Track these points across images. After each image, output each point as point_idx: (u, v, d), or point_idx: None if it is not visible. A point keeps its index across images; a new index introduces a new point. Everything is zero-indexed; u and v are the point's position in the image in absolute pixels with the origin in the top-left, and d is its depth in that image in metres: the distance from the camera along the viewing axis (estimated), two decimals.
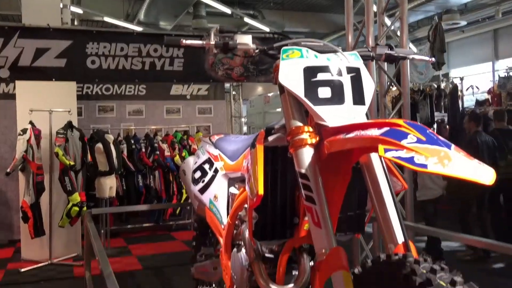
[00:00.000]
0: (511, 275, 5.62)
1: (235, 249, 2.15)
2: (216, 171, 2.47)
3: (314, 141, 1.63)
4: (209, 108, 8.91)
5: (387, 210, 1.59)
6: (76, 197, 6.36)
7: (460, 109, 9.39)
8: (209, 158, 2.58)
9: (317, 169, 1.60)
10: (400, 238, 1.55)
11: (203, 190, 2.52)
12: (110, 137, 7.29)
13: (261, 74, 7.41)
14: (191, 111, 8.83)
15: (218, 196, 2.41)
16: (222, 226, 2.33)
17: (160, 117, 8.65)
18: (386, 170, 1.64)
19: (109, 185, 7.08)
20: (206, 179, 2.52)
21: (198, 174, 2.60)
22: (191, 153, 7.67)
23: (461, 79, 10.14)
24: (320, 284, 1.46)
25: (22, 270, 6.08)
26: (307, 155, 1.61)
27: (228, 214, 2.32)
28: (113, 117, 8.39)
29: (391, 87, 4.21)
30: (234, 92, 9.95)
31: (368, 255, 3.50)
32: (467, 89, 10.20)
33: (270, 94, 12.20)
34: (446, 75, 11.26)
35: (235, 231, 2.23)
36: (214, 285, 2.79)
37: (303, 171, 1.60)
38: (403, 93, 3.34)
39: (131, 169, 7.71)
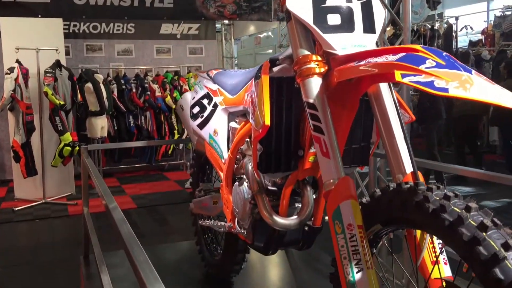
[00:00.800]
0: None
1: (236, 183, 2.14)
2: (215, 105, 2.42)
3: (322, 70, 1.58)
4: (200, 48, 8.72)
5: (396, 140, 1.56)
6: (68, 137, 6.30)
7: (454, 49, 9.29)
8: (207, 93, 2.52)
9: (325, 98, 1.56)
10: (409, 168, 1.53)
11: (202, 125, 2.47)
12: (99, 77, 7.15)
13: (254, 12, 7.20)
14: (182, 51, 8.64)
15: (218, 131, 2.37)
16: (223, 161, 2.31)
17: (150, 57, 8.47)
18: (396, 100, 1.61)
19: (100, 125, 7.01)
20: (205, 114, 2.47)
21: (196, 109, 2.54)
22: (183, 93, 7.57)
23: (456, 18, 9.97)
24: (328, 214, 1.45)
25: (16, 209, 6.10)
26: (315, 84, 1.57)
27: (228, 148, 2.29)
28: (101, 56, 8.19)
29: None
30: (225, 32, 9.71)
31: (363, 191, 3.52)
32: (460, 30, 10.06)
33: (261, 35, 11.96)
34: (440, 15, 11.07)
35: (236, 165, 2.21)
36: (213, 218, 2.80)
37: (311, 101, 1.55)
38: (404, 28, 3.25)
39: (122, 109, 7.61)
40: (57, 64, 6.42)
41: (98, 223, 5.67)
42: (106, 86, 7.19)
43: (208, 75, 2.62)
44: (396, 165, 1.57)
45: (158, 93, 7.77)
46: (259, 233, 2.03)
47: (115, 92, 7.57)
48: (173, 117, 7.87)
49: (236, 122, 2.29)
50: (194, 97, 2.62)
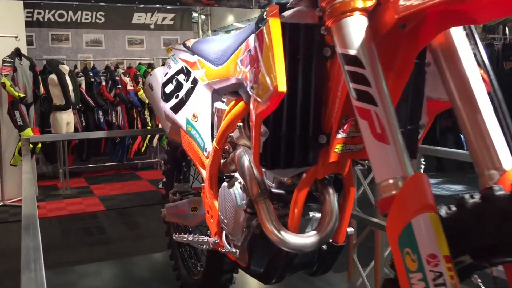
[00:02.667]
0: None
1: (225, 184, 1.52)
2: (194, 82, 1.79)
3: (369, 4, 0.97)
4: (175, 39, 8.04)
5: (482, 116, 0.97)
6: (29, 133, 5.58)
7: None
8: (184, 66, 1.89)
9: (374, 48, 0.95)
10: (508, 161, 0.94)
11: (177, 108, 1.84)
12: (65, 68, 6.42)
13: None
14: (156, 42, 7.96)
15: (198, 115, 1.74)
16: (205, 154, 1.68)
17: (121, 49, 7.76)
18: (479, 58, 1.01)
19: (66, 121, 6.28)
20: (182, 93, 1.84)
21: (170, 88, 1.91)
22: None
23: None
24: (390, 236, 0.85)
25: None
26: (358, 26, 0.96)
27: (213, 138, 1.67)
28: (68, 47, 7.45)
29: None
30: (202, 22, 9.05)
31: (368, 194, 2.93)
32: None
33: (243, 26, 11.31)
34: None
35: (223, 159, 1.59)
36: (191, 231, 2.18)
37: (352, 52, 0.95)
38: None
39: (90, 104, 6.89)
40: (17, 53, 5.69)
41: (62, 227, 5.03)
42: (72, 78, 6.47)
43: (185, 45, 1.99)
44: (485, 154, 0.97)
45: (130, 87, 7.08)
46: (259, 254, 1.42)
47: (83, 85, 6.85)
48: (146, 113, 7.20)
49: (223, 102, 1.67)
50: (166, 73, 1.98)
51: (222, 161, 1.63)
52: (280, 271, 1.43)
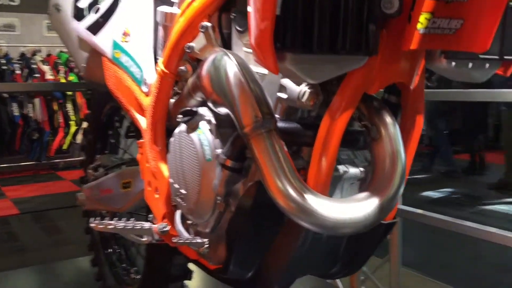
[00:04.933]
0: None
1: (181, 129, 0.87)
2: None
3: None
4: None
5: None
6: None
7: None
8: None
9: None
10: None
11: (97, 26, 1.15)
12: None
13: None
14: None
15: (131, 31, 1.07)
16: (144, 89, 1.02)
17: (39, 35, 6.79)
18: None
19: None
20: (104, 3, 1.15)
21: (86, 1, 1.21)
22: (81, 78, 6.02)
23: None
24: None
25: None
26: None
27: (155, 61, 1.00)
28: None
29: None
30: None
31: None
32: None
33: None
34: None
35: (176, 96, 0.94)
36: (119, 219, 1.45)
37: None
38: None
39: (1, 95, 5.91)
40: None
41: None
42: None
43: None
44: None
45: (49, 76, 6.14)
46: (249, 244, 0.77)
47: None
48: (69, 105, 6.28)
49: (172, 3, 1.01)
50: None
51: (172, 100, 0.97)
52: (286, 274, 0.78)
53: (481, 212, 3.71)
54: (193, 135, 0.83)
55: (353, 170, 0.76)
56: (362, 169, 0.77)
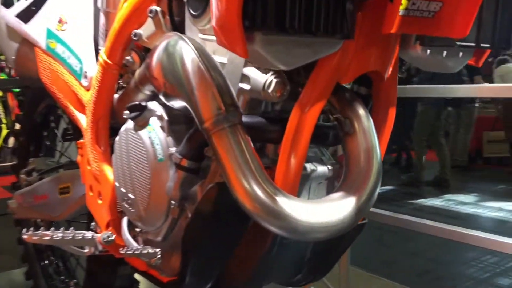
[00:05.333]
0: None
1: (127, 127, 0.77)
2: None
3: None
4: None
5: None
6: None
7: None
8: None
9: None
10: None
11: (29, 13, 1.02)
12: None
13: None
14: None
15: (66, 18, 0.96)
16: (84, 82, 0.91)
17: None
18: None
19: None
20: None
21: None
22: (11, 76, 5.64)
23: None
24: None
25: None
26: None
27: (97, 51, 0.90)
28: None
29: None
30: None
31: None
32: None
33: None
34: None
35: (121, 91, 0.84)
36: (57, 228, 1.30)
37: None
38: None
39: None
40: None
41: None
42: None
43: None
44: None
45: None
46: (206, 253, 0.68)
47: None
48: None
49: None
50: None
51: (117, 95, 0.87)
52: (250, 284, 0.70)
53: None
54: (142, 133, 0.74)
55: (321, 169, 0.69)
56: (330, 167, 0.71)
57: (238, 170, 0.56)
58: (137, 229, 0.82)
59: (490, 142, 4.70)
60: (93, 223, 0.96)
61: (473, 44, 0.62)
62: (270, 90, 0.61)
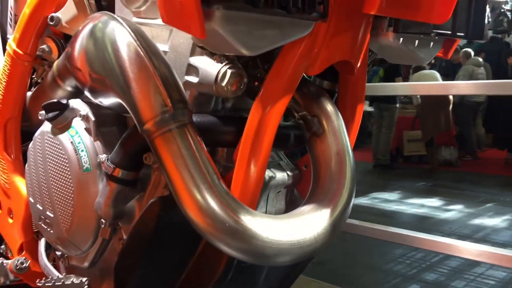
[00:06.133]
0: None
1: (44, 130, 0.63)
2: None
3: None
4: None
5: None
6: None
7: None
8: None
9: None
10: None
11: None
12: None
13: None
14: None
15: None
16: None
17: None
18: None
19: None
20: None
21: None
22: None
23: None
24: None
25: None
26: None
27: (3, 41, 0.75)
28: None
29: None
30: None
31: None
32: None
33: None
34: None
35: (34, 89, 0.69)
36: None
37: None
38: None
39: None
40: None
41: None
42: None
43: None
44: None
45: None
46: (148, 281, 0.56)
47: None
48: None
49: None
50: None
51: (30, 92, 0.72)
52: None
53: None
54: (63, 137, 0.60)
55: (280, 175, 0.60)
56: (290, 173, 0.61)
57: (189, 180, 0.45)
58: (58, 253, 0.68)
59: (410, 141, 4.88)
60: (2, 246, 0.80)
61: (449, 32, 0.55)
62: (224, 83, 0.50)
